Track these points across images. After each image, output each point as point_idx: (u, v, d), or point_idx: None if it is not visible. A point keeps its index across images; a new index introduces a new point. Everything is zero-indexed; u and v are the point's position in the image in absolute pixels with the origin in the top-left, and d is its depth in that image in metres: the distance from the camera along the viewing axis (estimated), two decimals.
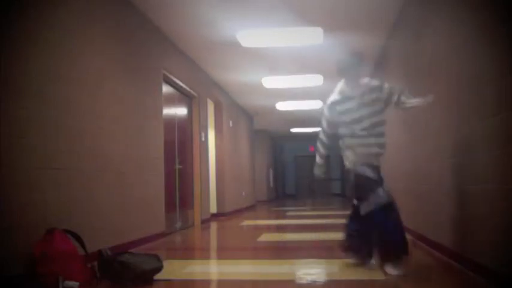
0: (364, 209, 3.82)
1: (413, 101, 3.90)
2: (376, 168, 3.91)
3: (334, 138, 4.15)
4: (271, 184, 21.12)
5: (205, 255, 5.23)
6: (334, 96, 4.02)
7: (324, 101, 12.60)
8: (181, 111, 7.95)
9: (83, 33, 4.50)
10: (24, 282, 3.36)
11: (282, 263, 4.35)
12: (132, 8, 5.70)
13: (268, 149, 20.31)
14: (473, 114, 3.45)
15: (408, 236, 5.14)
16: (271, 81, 9.90)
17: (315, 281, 3.49)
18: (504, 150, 2.92)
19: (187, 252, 5.54)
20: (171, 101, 7.37)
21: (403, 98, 3.94)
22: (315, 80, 9.84)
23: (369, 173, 3.85)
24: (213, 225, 8.64)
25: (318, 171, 4.22)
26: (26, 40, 3.62)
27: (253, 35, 6.80)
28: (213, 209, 10.59)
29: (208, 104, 10.05)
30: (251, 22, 6.42)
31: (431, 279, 3.58)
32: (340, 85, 4.03)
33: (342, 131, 4.01)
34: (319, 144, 4.19)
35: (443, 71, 4.20)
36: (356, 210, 3.97)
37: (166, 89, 7.08)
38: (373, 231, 3.84)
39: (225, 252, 5.38)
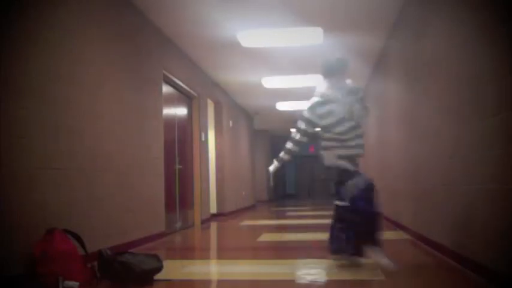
0: (347, 195, 3.88)
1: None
2: (356, 167, 4.02)
3: (312, 139, 4.19)
4: (271, 184, 21.10)
5: (205, 255, 5.23)
6: (315, 98, 4.07)
7: None
8: (181, 111, 7.95)
9: (83, 33, 4.50)
10: (24, 282, 3.36)
11: (282, 263, 4.35)
12: (133, 8, 5.70)
13: (268, 149, 20.31)
14: (473, 114, 3.45)
15: (406, 236, 5.11)
16: (271, 81, 9.90)
17: (315, 281, 3.49)
18: (504, 150, 2.92)
19: (187, 252, 5.54)
20: (171, 101, 7.37)
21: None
22: (315, 80, 9.84)
23: (350, 166, 3.95)
24: (213, 225, 8.64)
25: (274, 165, 4.32)
26: (26, 40, 3.62)
27: (253, 35, 6.80)
28: (213, 209, 10.59)
29: (208, 104, 10.05)
30: (251, 22, 6.42)
31: (431, 279, 3.58)
32: (322, 87, 4.11)
33: (322, 133, 4.06)
34: (289, 147, 4.17)
35: (443, 71, 4.20)
36: (339, 210, 4.01)
37: (166, 89, 7.08)
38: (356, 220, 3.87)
39: (225, 252, 5.38)
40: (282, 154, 4.25)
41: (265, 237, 6.37)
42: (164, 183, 6.66)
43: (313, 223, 8.56)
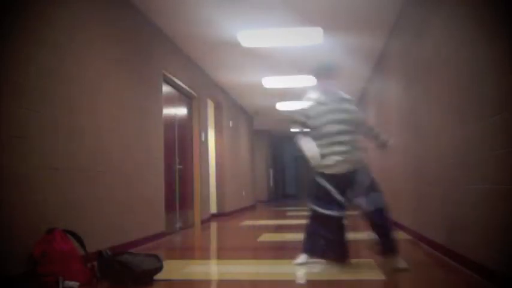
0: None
1: (385, 140, 4.21)
2: (334, 178, 4.01)
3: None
4: (271, 184, 21.11)
5: (205, 255, 5.22)
6: (306, 102, 4.15)
7: None
8: (181, 111, 7.95)
9: (83, 33, 4.50)
10: (24, 282, 3.36)
11: (282, 263, 4.35)
12: (133, 8, 5.70)
13: (268, 149, 20.31)
14: (473, 114, 3.45)
15: (406, 236, 5.11)
16: (271, 81, 9.90)
17: (315, 281, 3.49)
18: (505, 150, 2.92)
19: (187, 252, 5.54)
20: (171, 101, 7.37)
21: (376, 132, 4.22)
22: (314, 80, 9.83)
23: (325, 183, 4.02)
24: (213, 225, 8.64)
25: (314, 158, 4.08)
26: (26, 40, 3.62)
27: (253, 35, 6.80)
28: (213, 209, 10.59)
29: (208, 104, 10.05)
30: (251, 22, 6.42)
31: (431, 279, 3.58)
32: (312, 92, 4.20)
33: (312, 134, 4.09)
34: (299, 135, 4.14)
35: (444, 71, 4.20)
36: (316, 213, 4.07)
37: (166, 89, 7.08)
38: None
39: (225, 252, 5.37)
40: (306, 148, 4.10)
41: (265, 237, 6.37)
42: (164, 183, 6.66)
43: None
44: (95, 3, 4.79)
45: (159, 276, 3.61)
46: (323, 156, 3.98)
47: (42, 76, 3.80)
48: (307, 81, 9.87)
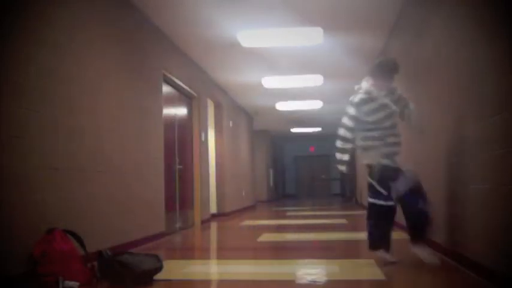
0: (396, 191, 3.96)
1: (415, 122, 4.31)
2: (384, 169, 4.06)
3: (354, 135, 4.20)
4: (271, 184, 21.11)
5: (205, 255, 5.23)
6: (360, 96, 4.10)
7: (324, 101, 12.61)
8: (181, 111, 7.95)
9: (83, 33, 4.50)
10: (24, 282, 3.36)
11: (282, 263, 4.35)
12: (133, 8, 5.70)
13: (268, 149, 20.32)
14: (473, 114, 3.45)
15: (406, 236, 5.15)
16: (271, 81, 9.90)
17: (315, 281, 3.49)
18: (505, 150, 2.92)
19: (187, 252, 5.54)
20: (171, 101, 7.37)
21: (407, 111, 4.28)
22: (315, 80, 9.84)
23: (393, 164, 4.05)
24: (213, 226, 8.64)
25: (342, 167, 4.21)
26: (26, 40, 3.62)
27: (253, 35, 6.80)
28: (213, 209, 10.59)
29: (208, 104, 10.05)
30: (251, 22, 6.42)
31: (431, 280, 3.58)
32: (365, 85, 4.16)
33: (362, 132, 4.10)
34: (341, 141, 4.15)
35: (443, 71, 4.20)
36: (374, 208, 4.05)
37: (166, 89, 7.08)
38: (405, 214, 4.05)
39: (225, 252, 5.37)
40: (339, 155, 4.18)
41: (265, 237, 6.37)
42: (164, 183, 6.66)
43: (313, 223, 8.56)
44: (95, 3, 4.79)
45: (159, 276, 3.61)
46: (377, 148, 4.03)
47: (42, 76, 3.80)
48: (307, 81, 9.86)
